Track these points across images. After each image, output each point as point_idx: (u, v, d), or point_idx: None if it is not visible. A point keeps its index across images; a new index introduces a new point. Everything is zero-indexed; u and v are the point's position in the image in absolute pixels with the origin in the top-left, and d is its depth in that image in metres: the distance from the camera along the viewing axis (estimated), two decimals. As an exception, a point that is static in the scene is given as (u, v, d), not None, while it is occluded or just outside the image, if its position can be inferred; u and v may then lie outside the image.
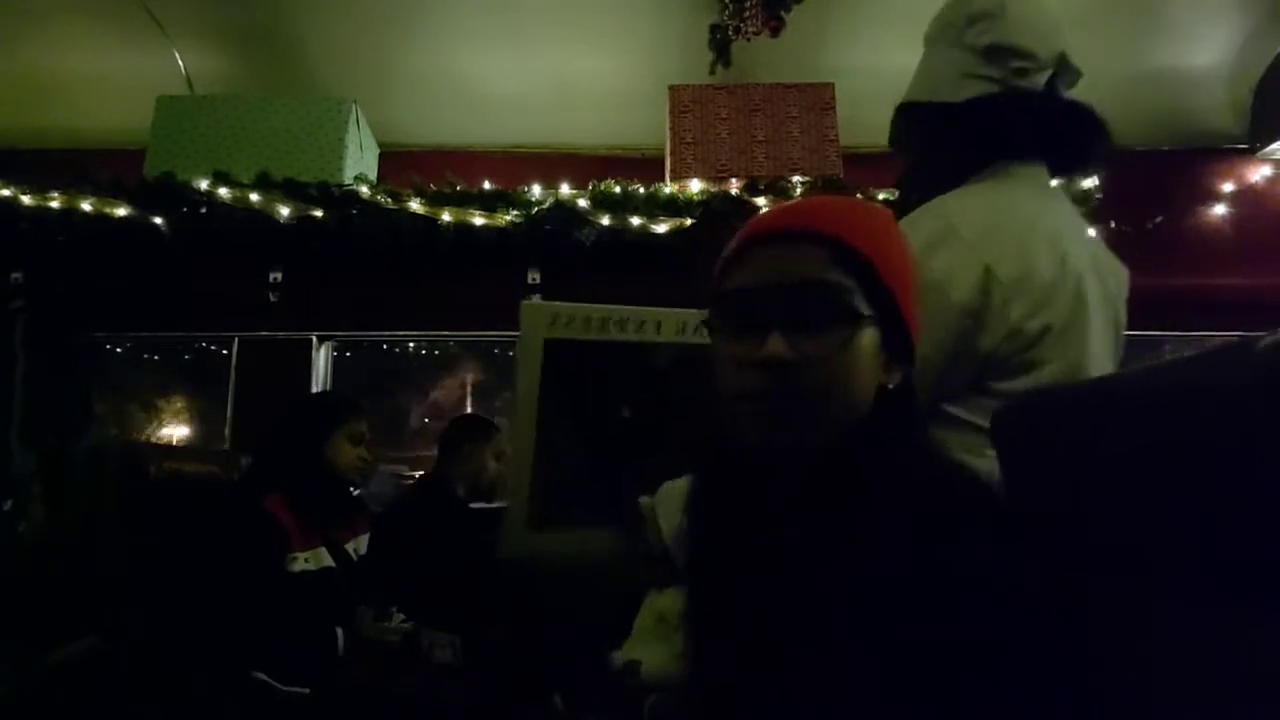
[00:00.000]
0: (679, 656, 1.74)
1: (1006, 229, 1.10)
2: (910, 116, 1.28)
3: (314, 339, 2.67)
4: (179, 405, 3.36)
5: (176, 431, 3.06)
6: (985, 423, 0.98)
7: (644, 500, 1.24)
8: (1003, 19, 1.17)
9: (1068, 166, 1.26)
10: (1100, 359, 1.17)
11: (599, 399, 1.43)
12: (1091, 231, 1.27)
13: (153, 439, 3.26)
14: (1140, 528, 0.65)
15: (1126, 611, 0.64)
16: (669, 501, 1.20)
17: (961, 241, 1.08)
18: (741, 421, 0.75)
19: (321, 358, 2.73)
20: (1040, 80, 1.17)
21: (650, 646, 1.81)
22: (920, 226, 1.10)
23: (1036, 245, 1.09)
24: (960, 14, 1.20)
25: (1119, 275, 1.28)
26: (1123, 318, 1.26)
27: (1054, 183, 1.24)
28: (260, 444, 2.11)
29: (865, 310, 0.73)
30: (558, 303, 1.41)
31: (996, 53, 1.16)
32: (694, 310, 1.40)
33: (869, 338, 0.74)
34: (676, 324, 1.42)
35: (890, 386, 0.76)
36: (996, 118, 1.16)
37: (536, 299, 1.36)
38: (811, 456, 0.73)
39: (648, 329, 1.42)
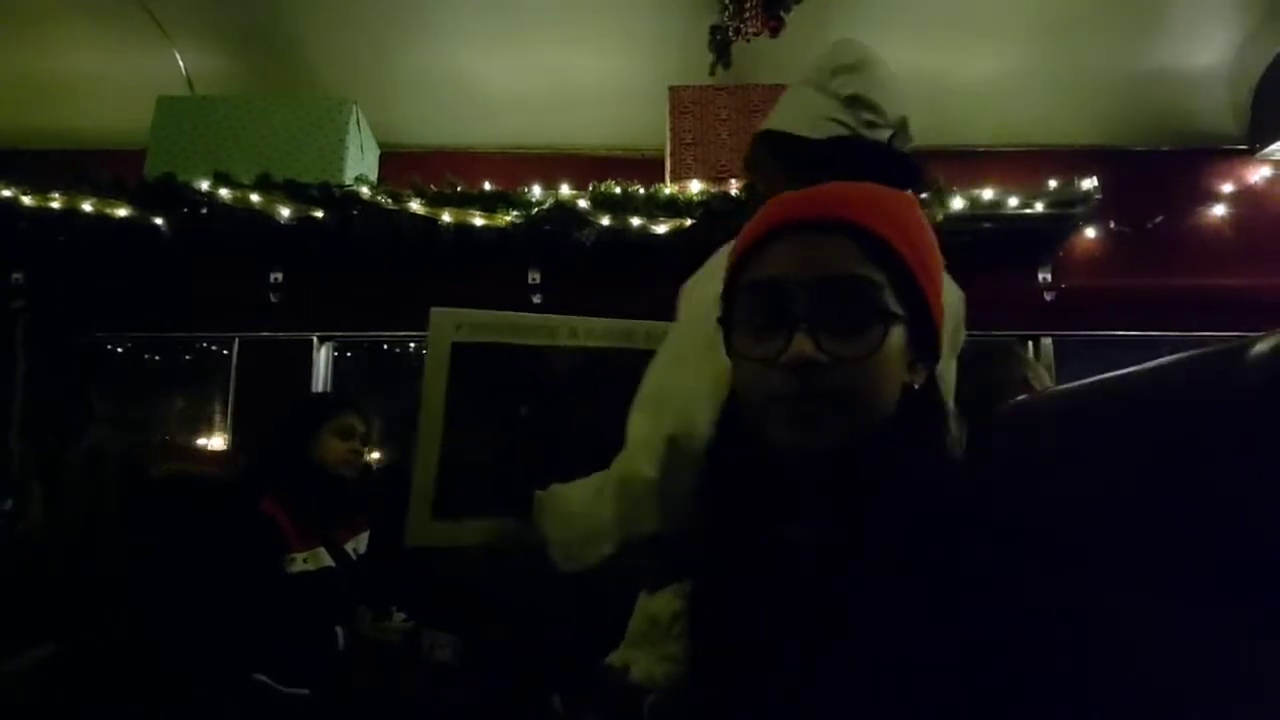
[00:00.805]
0: (669, 659, 1.74)
1: None
2: (769, 144, 1.40)
3: (314, 339, 2.67)
4: (179, 405, 3.35)
5: (208, 440, 3.04)
6: None
7: (539, 494, 1.31)
8: (864, 75, 1.34)
9: None
10: None
11: (502, 399, 1.50)
12: None
13: (166, 440, 3.26)
14: (1139, 527, 0.65)
15: (1126, 611, 0.64)
16: (557, 502, 1.29)
17: None
18: (765, 422, 0.72)
19: (322, 358, 2.73)
20: (884, 135, 1.32)
21: (642, 650, 1.81)
22: (721, 250, 1.22)
23: None
24: (829, 64, 1.36)
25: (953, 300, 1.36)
26: (959, 333, 1.35)
27: None
28: (253, 447, 2.11)
29: (897, 309, 0.69)
30: (464, 309, 1.50)
31: (855, 103, 1.32)
32: (595, 318, 1.48)
33: (898, 337, 0.69)
34: (570, 329, 1.50)
35: (915, 386, 0.72)
36: (845, 158, 1.29)
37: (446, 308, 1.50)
38: (833, 458, 0.69)
39: (547, 334, 1.51)
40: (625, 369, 1.26)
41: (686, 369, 1.20)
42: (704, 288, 1.24)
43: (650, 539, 1.25)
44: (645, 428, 1.22)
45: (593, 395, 1.27)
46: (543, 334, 1.52)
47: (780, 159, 1.39)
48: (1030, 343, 2.78)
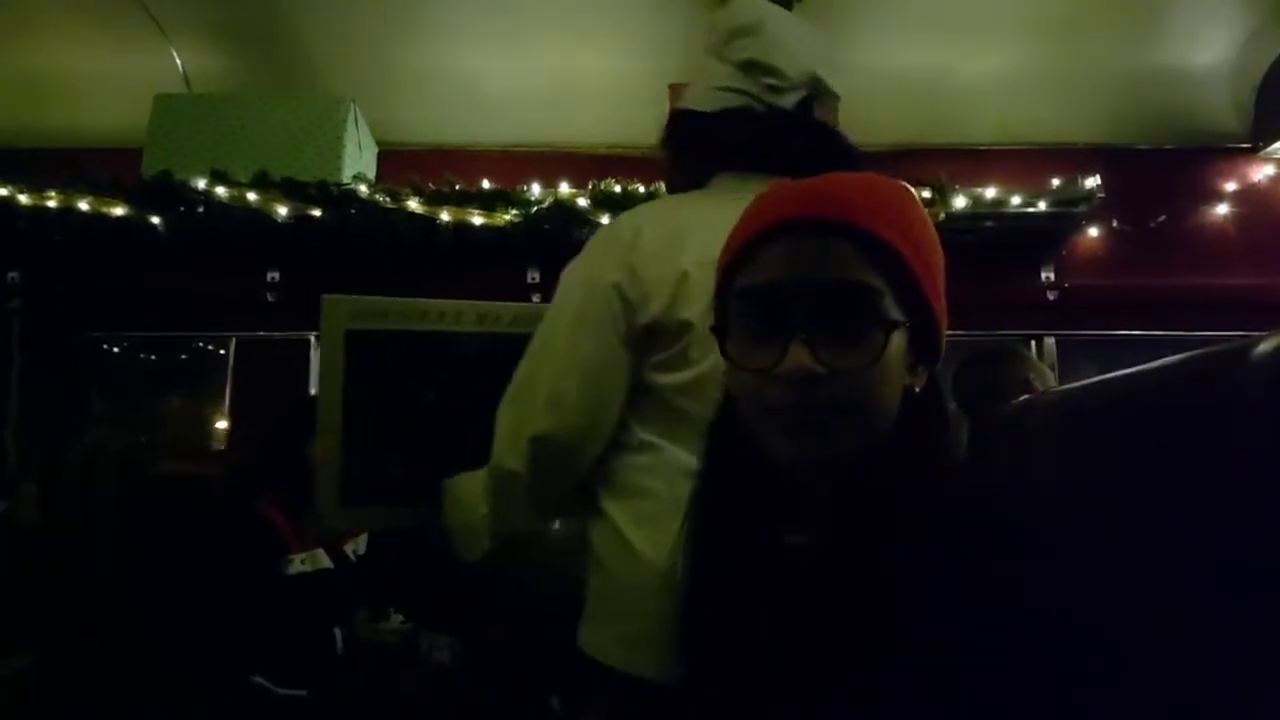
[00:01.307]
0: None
1: (662, 231, 1.17)
2: (677, 123, 1.33)
3: (312, 339, 2.67)
4: (176, 405, 3.35)
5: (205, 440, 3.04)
6: (635, 422, 1.16)
7: (445, 483, 1.32)
8: (760, 36, 1.24)
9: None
10: None
11: (403, 386, 1.48)
12: None
13: (164, 440, 3.26)
14: (1141, 527, 0.65)
15: (1126, 611, 0.63)
16: (453, 493, 1.30)
17: (612, 245, 1.17)
18: (761, 433, 0.69)
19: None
20: (791, 99, 1.23)
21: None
22: (594, 236, 1.23)
23: (687, 244, 1.14)
24: (724, 28, 1.29)
25: None
26: None
27: None
28: (251, 447, 2.10)
29: (898, 315, 0.66)
30: (358, 296, 1.49)
31: (751, 68, 1.23)
32: (496, 302, 1.47)
33: (899, 343, 0.66)
34: (477, 314, 1.49)
35: (916, 389, 0.70)
36: (734, 131, 1.23)
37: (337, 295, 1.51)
38: (833, 465, 0.67)
39: (448, 319, 1.49)
40: None
41: (552, 358, 1.18)
42: (575, 268, 1.22)
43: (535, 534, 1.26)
44: (511, 422, 1.20)
45: (501, 381, 1.23)
46: (445, 319, 1.50)
47: (682, 138, 1.33)
48: (1033, 342, 2.78)
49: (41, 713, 1.84)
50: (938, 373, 0.73)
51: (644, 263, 1.14)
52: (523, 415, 1.18)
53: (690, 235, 1.16)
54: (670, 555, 1.02)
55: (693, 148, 1.31)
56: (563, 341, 1.17)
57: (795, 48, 1.25)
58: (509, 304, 1.50)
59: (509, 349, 1.27)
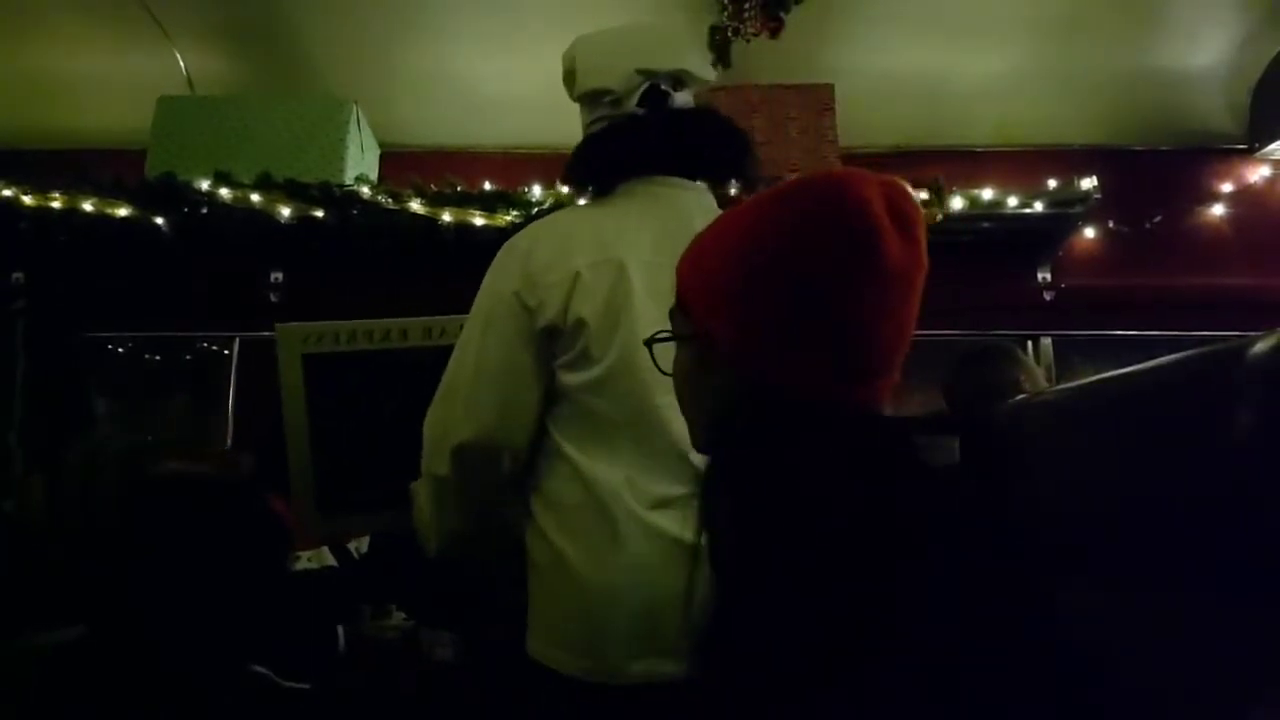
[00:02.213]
0: None
1: (554, 237, 1.26)
2: (565, 171, 1.44)
3: (314, 339, 2.67)
4: (179, 405, 3.35)
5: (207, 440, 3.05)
6: (554, 429, 1.24)
7: (412, 485, 1.37)
8: (579, 71, 1.36)
9: (701, 169, 1.38)
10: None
11: (363, 402, 1.59)
12: None
13: (166, 440, 3.26)
14: (1138, 528, 0.65)
15: (1125, 611, 0.64)
16: (415, 495, 1.37)
17: (511, 255, 1.27)
18: None
19: (321, 357, 2.73)
20: (630, 104, 1.32)
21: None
22: (510, 239, 1.32)
23: (576, 247, 1.23)
24: (564, 81, 1.42)
25: None
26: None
27: (673, 192, 1.34)
28: (261, 444, 2.10)
29: (684, 330, 0.82)
30: (309, 323, 1.61)
31: (588, 100, 1.36)
32: (439, 316, 1.59)
33: (685, 355, 0.84)
34: (423, 329, 1.61)
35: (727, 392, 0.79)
36: (596, 151, 1.34)
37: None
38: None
39: (395, 337, 1.61)
40: None
41: (464, 367, 1.25)
42: (485, 284, 1.30)
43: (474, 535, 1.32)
44: (435, 429, 1.27)
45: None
46: (394, 337, 1.61)
47: (569, 175, 1.44)
48: (1030, 342, 2.78)
49: (42, 710, 1.85)
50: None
51: (539, 270, 1.23)
52: (445, 423, 1.26)
53: (581, 239, 1.25)
54: (594, 565, 1.17)
55: (579, 178, 1.42)
56: (473, 351, 1.25)
57: (612, 59, 1.34)
58: (452, 317, 1.58)
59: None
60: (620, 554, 1.16)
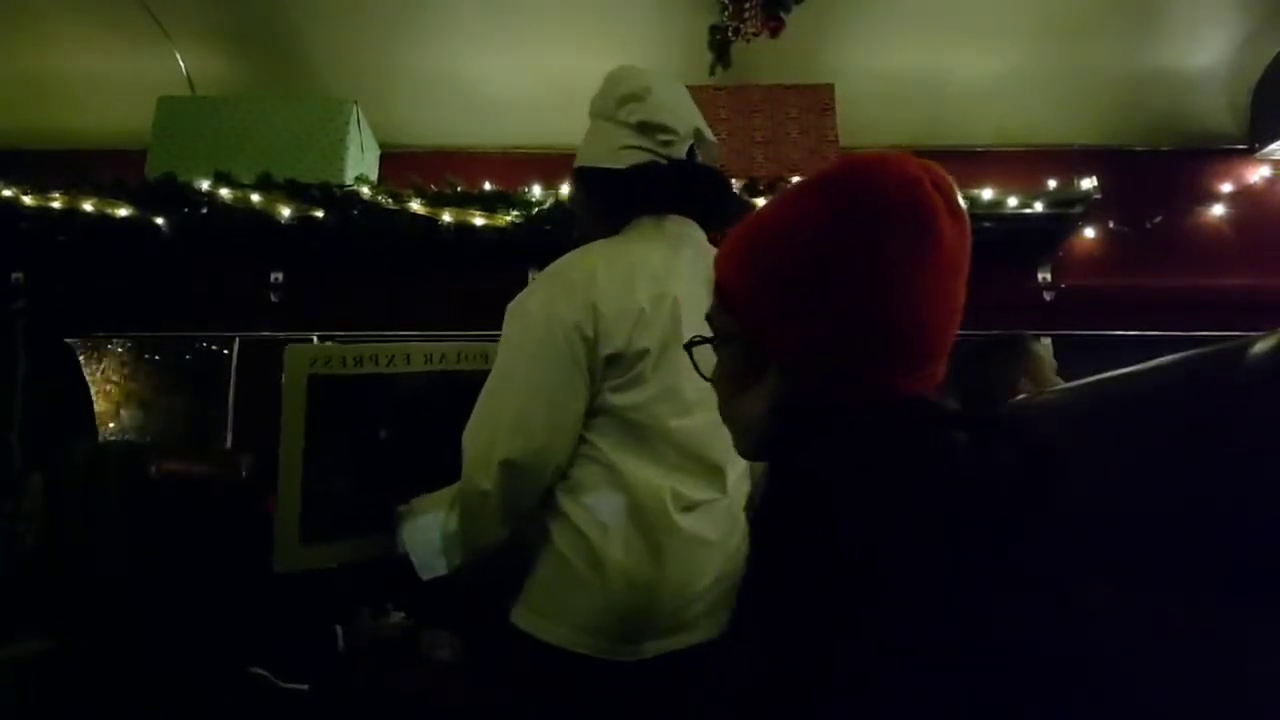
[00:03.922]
0: None
1: (616, 272, 1.37)
2: (581, 179, 1.54)
3: (315, 339, 2.67)
4: (179, 405, 3.35)
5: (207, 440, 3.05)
6: (595, 436, 1.35)
7: (400, 509, 1.45)
8: (648, 101, 1.45)
9: (706, 218, 1.53)
10: (699, 383, 1.39)
11: (361, 425, 1.62)
12: None
13: (167, 440, 3.27)
14: (1137, 528, 0.65)
15: (1122, 612, 0.64)
16: (414, 516, 1.44)
17: (571, 285, 1.35)
18: None
19: (322, 358, 2.73)
20: (682, 150, 1.46)
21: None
22: (546, 273, 1.41)
23: (638, 283, 1.36)
24: (613, 96, 1.49)
25: None
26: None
27: (690, 231, 1.51)
28: (261, 444, 2.10)
29: (730, 330, 0.80)
30: (318, 344, 1.74)
31: (646, 128, 1.44)
32: (442, 342, 1.65)
33: (731, 357, 0.82)
34: (424, 355, 1.64)
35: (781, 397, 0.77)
36: (649, 182, 1.44)
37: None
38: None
39: (398, 361, 1.63)
40: (479, 388, 1.38)
41: (517, 387, 1.34)
42: (533, 304, 1.37)
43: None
44: (480, 445, 1.33)
45: (449, 414, 1.39)
46: (397, 361, 1.63)
47: (593, 190, 1.53)
48: (1030, 343, 2.78)
49: (43, 707, 1.85)
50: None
51: (604, 301, 1.33)
52: (492, 439, 1.33)
53: (639, 276, 1.37)
54: (634, 561, 1.29)
55: (613, 200, 1.51)
56: (524, 372, 1.34)
57: (677, 107, 1.48)
58: (454, 343, 1.62)
59: (455, 385, 1.44)
60: (662, 553, 1.30)
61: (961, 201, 0.73)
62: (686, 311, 1.37)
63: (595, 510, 1.33)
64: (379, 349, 1.62)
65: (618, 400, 1.35)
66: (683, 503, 1.34)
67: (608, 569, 1.30)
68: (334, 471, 1.56)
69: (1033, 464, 0.69)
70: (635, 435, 1.35)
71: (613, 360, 1.33)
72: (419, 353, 1.65)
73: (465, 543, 1.40)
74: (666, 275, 1.39)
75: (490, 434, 1.33)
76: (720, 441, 1.34)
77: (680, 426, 1.35)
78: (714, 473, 1.38)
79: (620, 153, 1.46)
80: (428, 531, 1.41)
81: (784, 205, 0.78)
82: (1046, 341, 2.07)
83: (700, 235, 1.52)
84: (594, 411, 1.36)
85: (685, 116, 1.47)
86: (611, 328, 1.33)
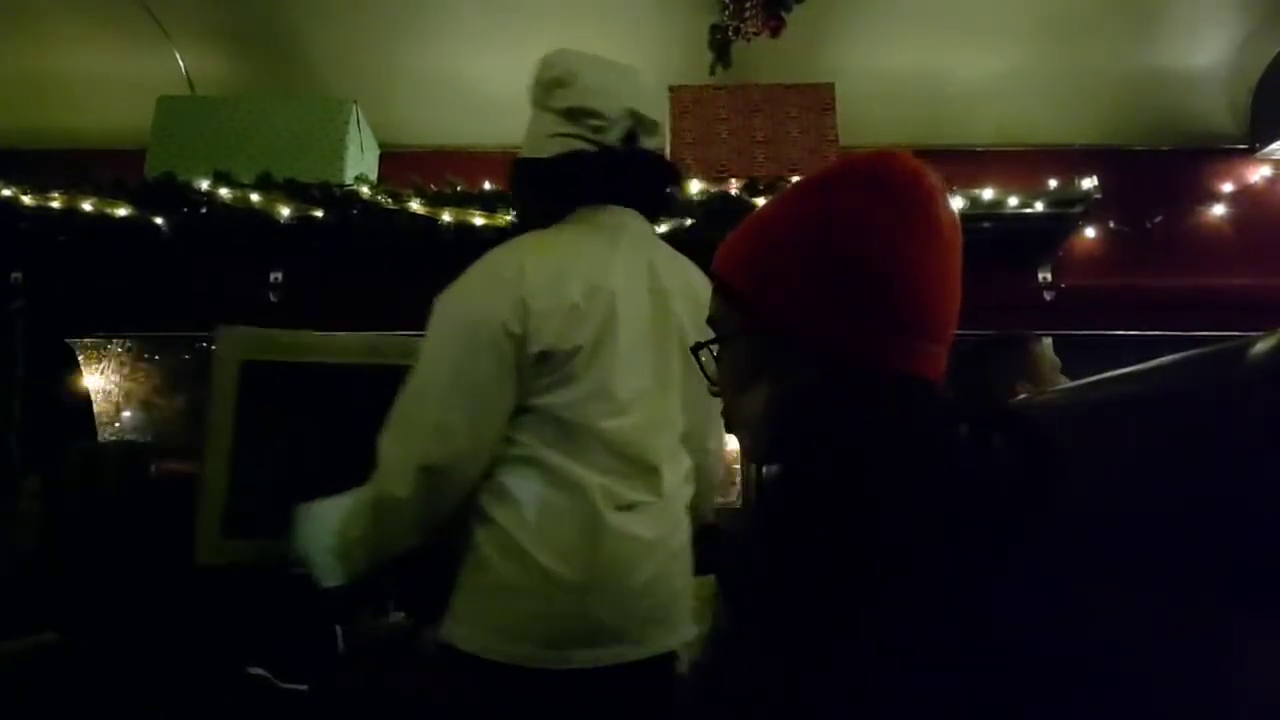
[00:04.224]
0: None
1: (546, 265, 1.30)
2: (515, 171, 1.50)
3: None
4: (179, 405, 3.35)
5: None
6: (523, 436, 1.28)
7: (297, 510, 1.36)
8: (574, 86, 1.39)
9: (648, 207, 1.48)
10: (635, 375, 1.34)
11: (295, 417, 1.55)
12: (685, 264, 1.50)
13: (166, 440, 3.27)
14: (1137, 528, 0.65)
15: (1122, 612, 0.64)
16: (313, 519, 1.35)
17: (498, 280, 1.29)
18: None
19: (322, 357, 2.73)
20: (614, 135, 1.38)
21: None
22: (474, 267, 1.36)
23: (570, 277, 1.29)
24: (542, 82, 1.45)
25: (697, 297, 1.42)
26: (689, 336, 1.37)
27: (630, 221, 1.44)
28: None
29: (734, 328, 0.80)
30: (254, 329, 1.57)
31: (574, 114, 1.38)
32: (385, 334, 1.55)
33: (734, 355, 0.82)
34: (368, 346, 1.57)
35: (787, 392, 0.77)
36: (576, 171, 1.38)
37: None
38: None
39: (339, 352, 1.57)
40: None
41: (437, 390, 1.27)
42: (459, 301, 1.33)
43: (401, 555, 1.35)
44: (397, 451, 1.27)
45: (385, 410, 1.31)
46: (338, 351, 1.57)
47: (521, 183, 1.50)
48: (1031, 343, 2.77)
49: (43, 707, 1.85)
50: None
51: (533, 297, 1.26)
52: (410, 444, 1.26)
53: (572, 269, 1.31)
54: (566, 562, 1.23)
55: (540, 192, 1.46)
56: (447, 374, 1.27)
57: (608, 90, 1.39)
58: (398, 336, 1.55)
59: (399, 380, 1.34)
60: (592, 553, 1.24)
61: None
62: (625, 305, 1.32)
63: (523, 512, 1.26)
64: (320, 338, 1.57)
65: (548, 399, 1.28)
66: (615, 502, 1.28)
67: (535, 571, 1.23)
68: (264, 463, 1.50)
69: (1033, 464, 0.68)
70: (566, 434, 1.28)
71: (543, 358, 1.27)
72: (362, 344, 1.59)
73: (373, 550, 1.33)
74: (602, 268, 1.33)
75: (409, 438, 1.27)
76: (657, 443, 1.34)
77: (614, 427, 1.29)
78: (649, 474, 1.32)
79: (548, 141, 1.41)
80: (325, 538, 1.33)
81: (791, 198, 0.80)
82: (1048, 341, 2.07)
83: (643, 226, 1.47)
84: (523, 410, 1.30)
85: (618, 99, 1.39)
86: (542, 324, 1.26)
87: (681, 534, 1.36)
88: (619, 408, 1.30)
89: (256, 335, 1.57)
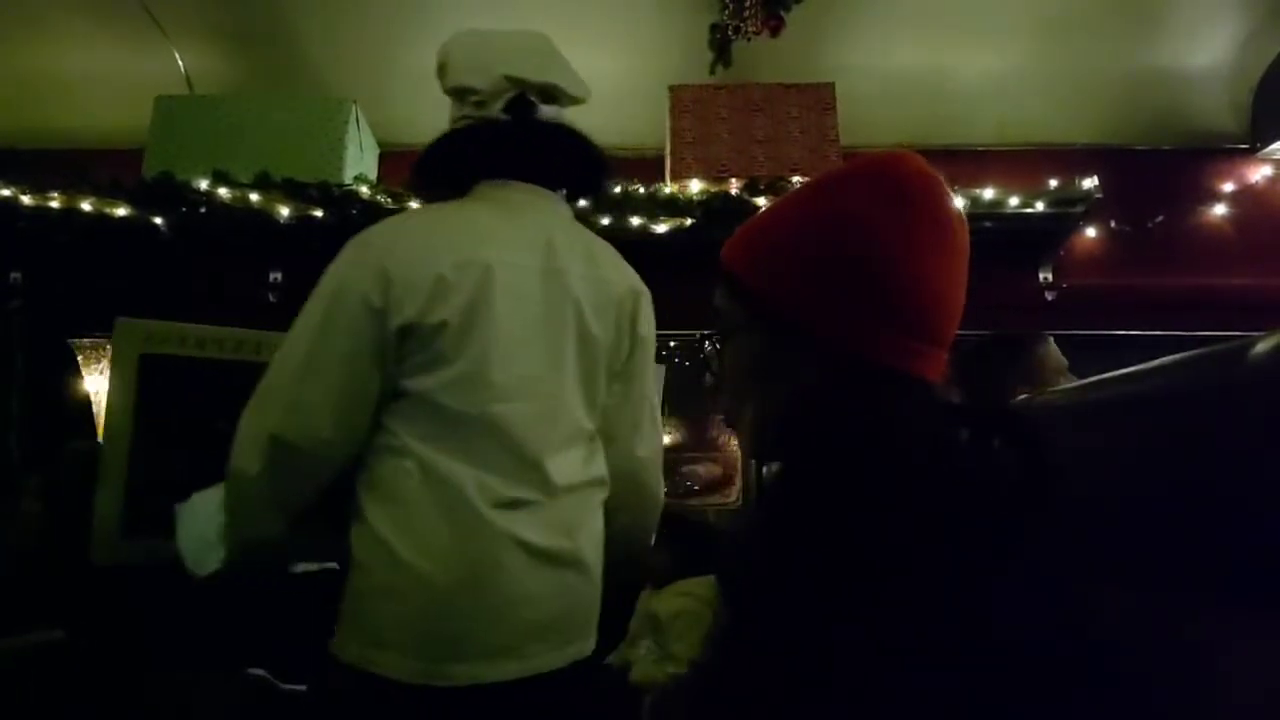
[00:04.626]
0: (669, 659, 1.75)
1: (418, 235, 1.24)
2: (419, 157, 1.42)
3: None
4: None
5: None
6: (397, 425, 1.18)
7: (177, 506, 1.29)
8: (450, 65, 1.36)
9: (553, 181, 1.38)
10: (518, 359, 1.23)
11: (197, 414, 1.46)
12: (593, 241, 1.39)
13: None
14: (1137, 528, 0.65)
15: (1122, 612, 0.64)
16: (187, 512, 1.29)
17: (367, 249, 1.21)
18: None
19: (321, 357, 2.73)
20: (496, 107, 1.32)
21: (642, 649, 1.82)
22: (354, 238, 1.26)
23: (442, 247, 1.21)
24: (436, 71, 1.40)
25: (604, 281, 1.34)
26: (590, 321, 1.29)
27: (536, 200, 1.35)
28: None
29: (738, 321, 0.80)
30: (154, 321, 1.49)
31: (457, 94, 1.35)
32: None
33: (739, 350, 0.81)
34: (276, 344, 1.42)
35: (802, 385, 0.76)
36: (451, 151, 1.35)
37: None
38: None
39: (246, 349, 1.51)
40: None
41: (294, 365, 1.19)
42: (330, 270, 1.24)
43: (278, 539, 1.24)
44: (250, 425, 1.19)
45: None
46: (244, 348, 1.51)
47: (418, 171, 1.41)
48: (1031, 343, 2.78)
49: (43, 707, 1.85)
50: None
51: (396, 267, 1.18)
52: (262, 419, 1.18)
53: (442, 240, 1.22)
54: (436, 563, 1.13)
55: (422, 179, 1.41)
56: (304, 349, 1.19)
57: (483, 61, 1.34)
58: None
59: None
60: (466, 554, 1.14)
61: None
62: (505, 282, 1.22)
63: (393, 508, 1.16)
64: (226, 333, 1.51)
65: (419, 382, 1.18)
66: (494, 498, 1.16)
67: (405, 573, 1.13)
68: (164, 461, 1.44)
69: (1033, 464, 0.68)
70: (440, 422, 1.18)
71: (405, 334, 1.17)
72: (270, 341, 1.50)
73: (231, 535, 1.24)
74: (480, 241, 1.24)
75: (262, 412, 1.18)
76: (543, 435, 1.22)
77: (490, 414, 1.18)
78: (531, 469, 1.19)
79: (451, 124, 1.37)
80: (203, 524, 1.26)
81: (799, 197, 0.81)
82: (1053, 343, 2.05)
83: (551, 204, 1.37)
84: (394, 395, 1.20)
85: (488, 71, 1.32)
86: (403, 295, 1.17)
87: (584, 543, 1.23)
88: (496, 393, 1.18)
89: (156, 327, 1.50)
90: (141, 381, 1.45)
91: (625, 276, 1.38)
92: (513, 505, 1.17)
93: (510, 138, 1.33)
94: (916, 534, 0.62)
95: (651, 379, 1.39)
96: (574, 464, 1.25)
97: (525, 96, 1.33)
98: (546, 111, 1.35)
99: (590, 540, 1.24)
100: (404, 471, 1.17)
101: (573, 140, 1.38)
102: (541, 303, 1.26)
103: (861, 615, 0.60)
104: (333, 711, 1.19)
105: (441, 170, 1.38)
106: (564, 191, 1.41)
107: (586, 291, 1.30)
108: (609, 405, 1.33)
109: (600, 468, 1.31)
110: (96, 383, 3.08)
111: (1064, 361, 1.99)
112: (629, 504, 1.37)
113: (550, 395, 1.25)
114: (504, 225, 1.28)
